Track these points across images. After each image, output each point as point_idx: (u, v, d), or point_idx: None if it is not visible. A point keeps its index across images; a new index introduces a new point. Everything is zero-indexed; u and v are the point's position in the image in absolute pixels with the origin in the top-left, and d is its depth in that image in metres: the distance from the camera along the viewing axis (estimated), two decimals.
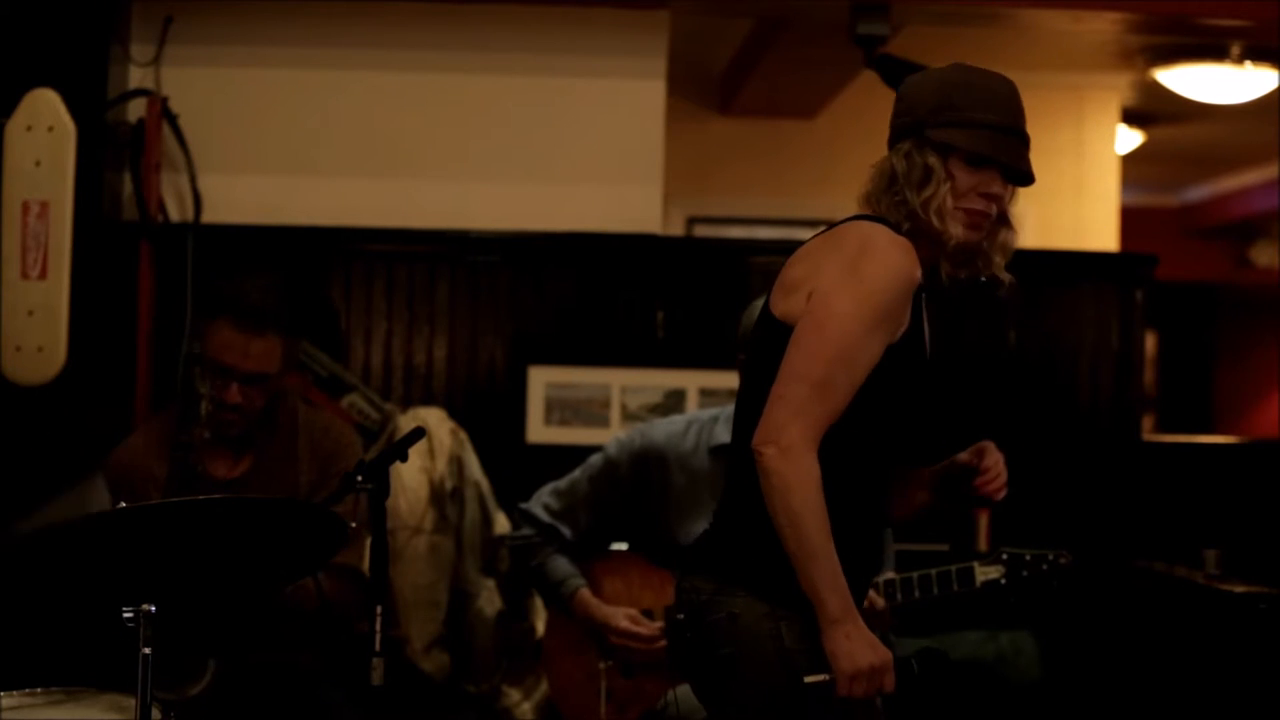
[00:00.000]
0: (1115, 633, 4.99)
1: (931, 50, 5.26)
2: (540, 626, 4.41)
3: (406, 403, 4.85)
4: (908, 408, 2.65)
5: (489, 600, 4.62)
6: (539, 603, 4.57)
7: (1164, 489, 5.24)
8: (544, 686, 4.45)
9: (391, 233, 4.94)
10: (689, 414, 4.11)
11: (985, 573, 3.68)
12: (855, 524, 2.61)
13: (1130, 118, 7.82)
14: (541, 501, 4.02)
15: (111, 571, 2.59)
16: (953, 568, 3.70)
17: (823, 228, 2.72)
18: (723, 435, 3.78)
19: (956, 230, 2.60)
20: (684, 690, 3.81)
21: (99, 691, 3.11)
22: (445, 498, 4.59)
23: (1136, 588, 5.01)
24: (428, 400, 4.86)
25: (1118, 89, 7.33)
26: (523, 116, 5.02)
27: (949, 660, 2.71)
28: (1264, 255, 10.61)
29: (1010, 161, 2.62)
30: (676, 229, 7.41)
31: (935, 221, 2.59)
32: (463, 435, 4.70)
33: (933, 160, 2.59)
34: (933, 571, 3.72)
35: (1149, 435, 6.84)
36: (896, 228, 2.60)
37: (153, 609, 2.57)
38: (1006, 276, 2.69)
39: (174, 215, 4.83)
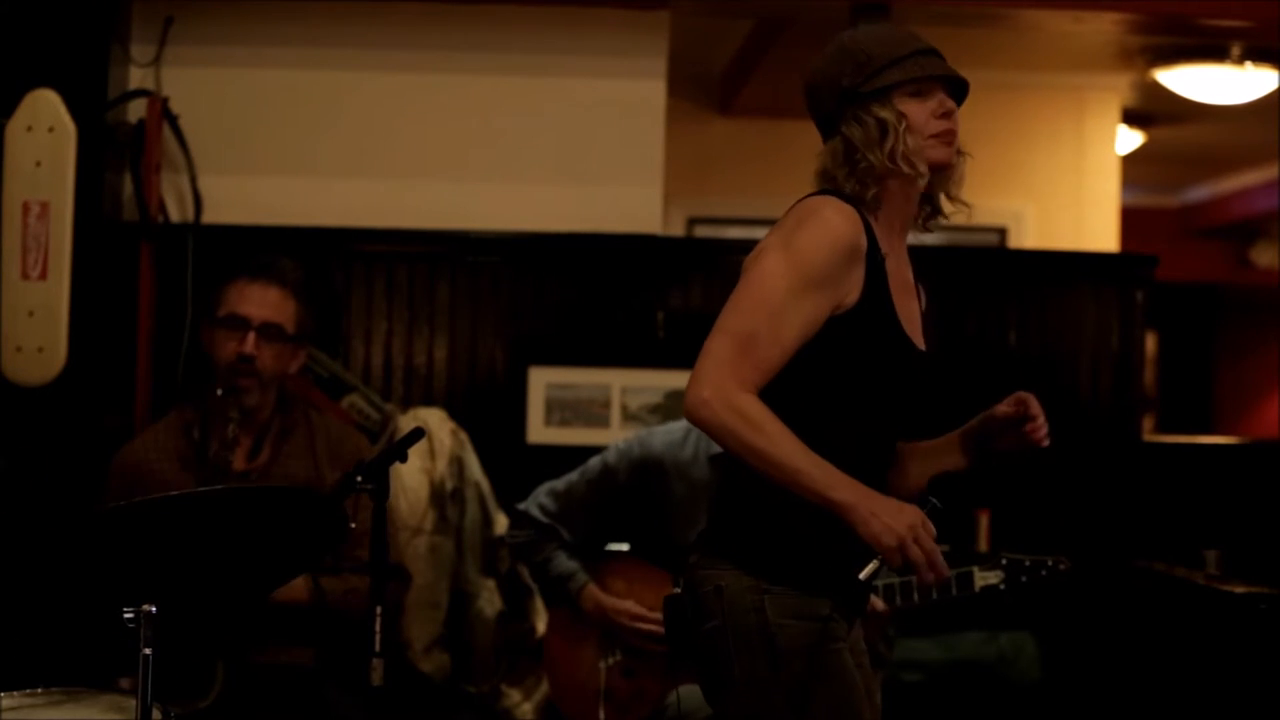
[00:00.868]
0: (1115, 633, 4.99)
1: None
2: (540, 626, 4.41)
3: (407, 403, 4.85)
4: (886, 386, 2.64)
5: (489, 600, 4.62)
6: (539, 603, 4.57)
7: (1164, 489, 5.24)
8: (544, 687, 4.45)
9: (391, 233, 4.94)
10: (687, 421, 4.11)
11: (984, 578, 3.69)
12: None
13: (1130, 118, 7.82)
14: (538, 502, 4.02)
15: (112, 571, 2.59)
16: (952, 573, 3.70)
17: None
18: None
19: (935, 154, 2.64)
20: (687, 690, 3.82)
21: (99, 691, 3.11)
22: (445, 498, 4.59)
23: (1136, 588, 5.01)
24: (428, 401, 4.87)
25: (1118, 89, 7.33)
26: (523, 116, 5.02)
27: (954, 480, 2.71)
28: (1264, 255, 10.60)
29: (945, 73, 2.68)
30: (676, 229, 7.41)
31: (906, 167, 2.62)
32: (463, 436, 4.70)
33: (882, 112, 2.62)
34: None
35: (1149, 435, 6.85)
36: (859, 198, 2.62)
37: (153, 609, 2.56)
38: (967, 205, 2.73)
39: (174, 216, 4.83)
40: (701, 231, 7.44)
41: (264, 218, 4.89)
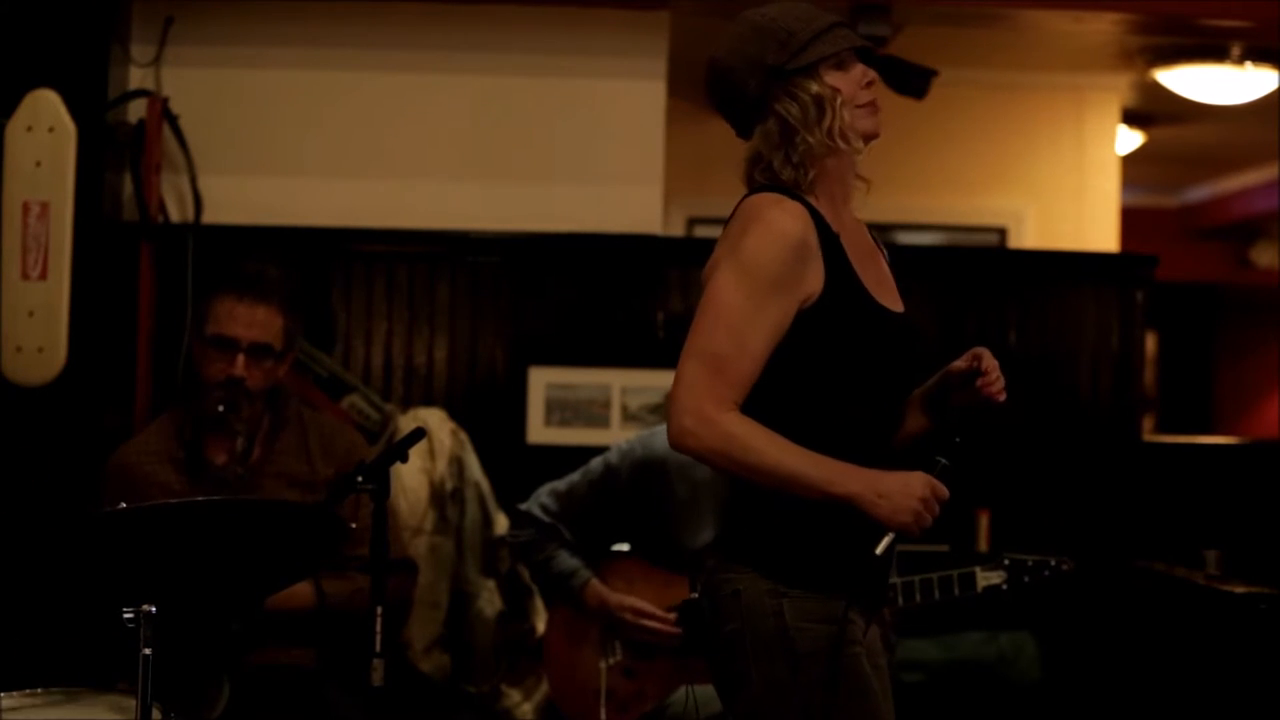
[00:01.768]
0: (1115, 633, 4.99)
1: (932, 50, 5.27)
2: (540, 626, 4.41)
3: (407, 403, 4.85)
4: (875, 361, 2.62)
5: (489, 601, 4.62)
6: (539, 603, 4.57)
7: (1164, 489, 5.24)
8: (544, 687, 4.45)
9: (391, 233, 4.94)
10: None
11: (987, 578, 3.68)
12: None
13: (1130, 118, 7.82)
14: (539, 502, 4.02)
15: (111, 571, 2.59)
16: (954, 572, 3.70)
17: None
18: None
19: (866, 125, 2.63)
20: (687, 690, 3.82)
21: (99, 691, 3.11)
22: (445, 498, 4.59)
23: (1136, 588, 5.01)
24: (428, 401, 4.87)
25: (1118, 89, 7.33)
26: (523, 116, 5.02)
27: (960, 428, 2.68)
28: (1264, 256, 10.60)
29: (866, 43, 2.66)
30: (676, 229, 7.41)
31: (844, 144, 2.60)
32: (463, 436, 4.70)
33: (814, 88, 2.60)
34: (934, 576, 3.71)
35: (1149, 435, 6.85)
36: (795, 186, 2.60)
37: (153, 609, 2.57)
38: (866, 181, 2.70)
39: (174, 216, 4.83)
40: (701, 231, 7.44)
41: (264, 218, 4.88)
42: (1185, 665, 4.79)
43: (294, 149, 4.99)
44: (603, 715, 3.82)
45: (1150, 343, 9.00)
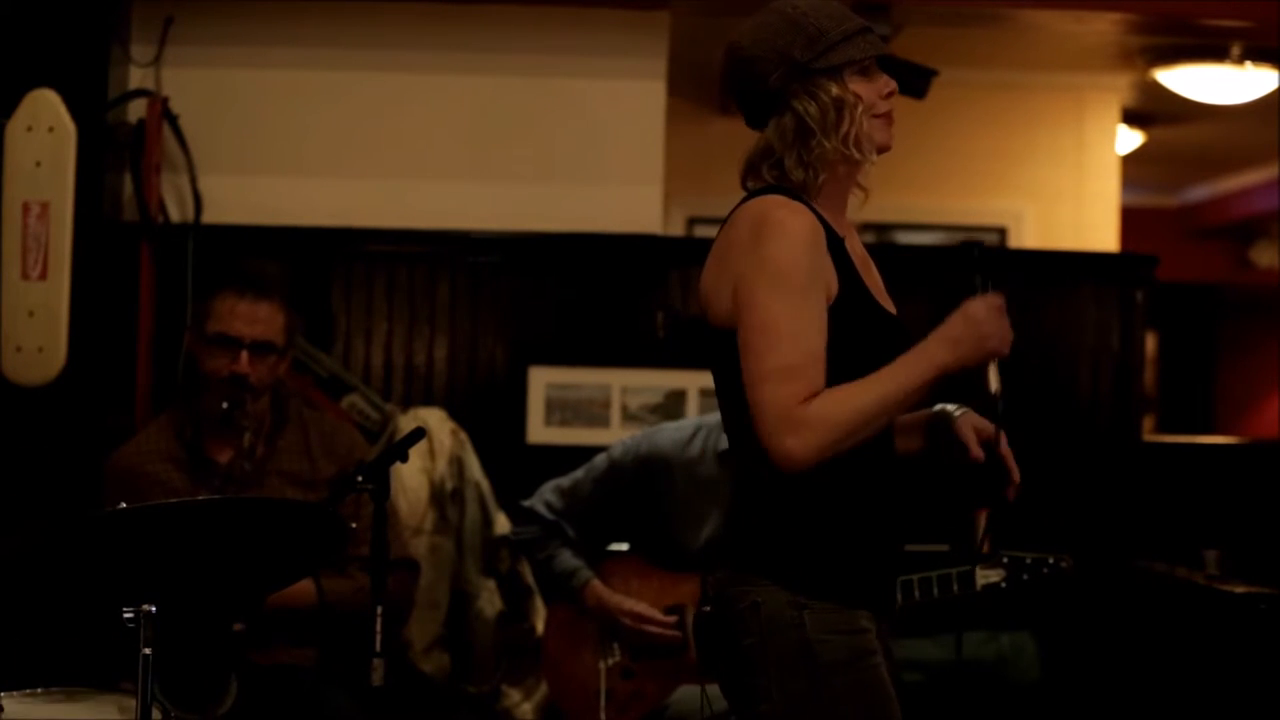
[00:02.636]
0: (1115, 633, 4.99)
1: (932, 50, 5.27)
2: (540, 627, 4.41)
3: (407, 403, 4.85)
4: (883, 363, 2.61)
5: (489, 601, 4.62)
6: (539, 603, 4.57)
7: (1164, 489, 5.24)
8: (544, 687, 4.45)
9: (391, 233, 4.94)
10: (696, 419, 4.10)
11: (986, 576, 3.68)
12: (869, 499, 2.58)
13: (1130, 118, 7.82)
14: (544, 499, 4.02)
15: (111, 571, 2.59)
16: (953, 571, 3.69)
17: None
18: None
19: (881, 137, 2.60)
20: (687, 691, 3.82)
21: (99, 691, 3.11)
22: (445, 498, 4.59)
23: (1136, 588, 5.01)
24: (428, 401, 4.86)
25: (1118, 89, 7.33)
26: (523, 116, 5.02)
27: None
28: (1264, 255, 10.60)
29: (887, 52, 2.63)
30: (676, 229, 7.41)
31: (855, 153, 2.57)
32: (463, 436, 4.70)
33: (835, 90, 2.56)
34: (933, 574, 3.71)
35: (1149, 435, 6.85)
36: (803, 188, 2.57)
37: (153, 609, 2.57)
38: (865, 190, 2.68)
39: (174, 216, 4.83)
40: (701, 231, 7.44)
41: (264, 218, 4.88)
42: (1185, 665, 4.79)
43: (294, 149, 4.99)
44: (602, 715, 3.82)
45: (1150, 343, 9.00)
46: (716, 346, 2.60)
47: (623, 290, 4.96)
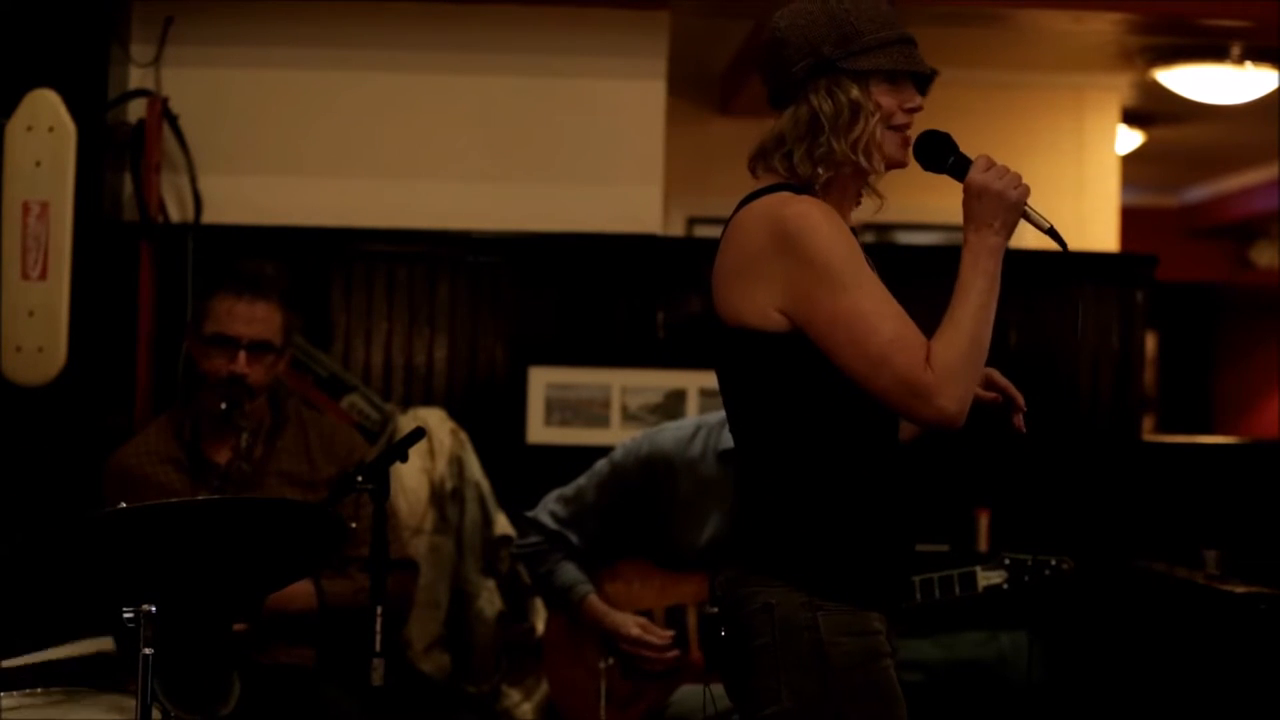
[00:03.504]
0: (1115, 633, 4.99)
1: (932, 50, 5.26)
2: (540, 626, 4.41)
3: (407, 403, 4.85)
4: None
5: (489, 600, 4.62)
6: (539, 603, 4.57)
7: (1164, 489, 5.23)
8: (544, 687, 4.45)
9: (391, 233, 4.94)
10: (696, 418, 4.10)
11: (987, 578, 3.68)
12: (880, 500, 2.57)
13: (1130, 118, 7.82)
14: (548, 509, 4.01)
15: (111, 571, 2.59)
16: (955, 572, 3.69)
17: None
18: (731, 440, 3.78)
19: (894, 151, 2.59)
20: (688, 690, 3.82)
21: (99, 691, 3.11)
22: (445, 498, 4.58)
23: (1136, 588, 5.01)
24: (428, 401, 4.86)
25: (1118, 89, 7.33)
26: (523, 116, 5.02)
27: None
28: (1264, 256, 10.60)
29: (923, 69, 2.62)
30: (676, 229, 7.41)
31: (862, 159, 2.56)
32: (463, 436, 4.70)
33: (855, 93, 2.54)
34: (935, 576, 3.71)
35: (1149, 435, 6.84)
36: (808, 182, 2.56)
37: (153, 609, 2.57)
38: (881, 197, 2.70)
39: (174, 216, 4.83)
40: (701, 231, 7.44)
41: (264, 218, 4.88)
42: (1185, 665, 4.79)
43: (294, 149, 4.99)
44: (602, 715, 3.82)
45: (1150, 343, 8.99)
46: (730, 346, 2.59)
47: (623, 290, 4.96)
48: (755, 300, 2.52)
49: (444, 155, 5.01)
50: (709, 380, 4.88)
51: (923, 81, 2.64)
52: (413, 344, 4.93)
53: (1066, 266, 5.31)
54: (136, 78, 4.84)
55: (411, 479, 4.53)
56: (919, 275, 2.96)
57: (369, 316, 4.92)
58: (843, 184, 2.60)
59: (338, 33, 4.98)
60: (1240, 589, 4.58)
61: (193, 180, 4.82)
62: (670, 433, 3.98)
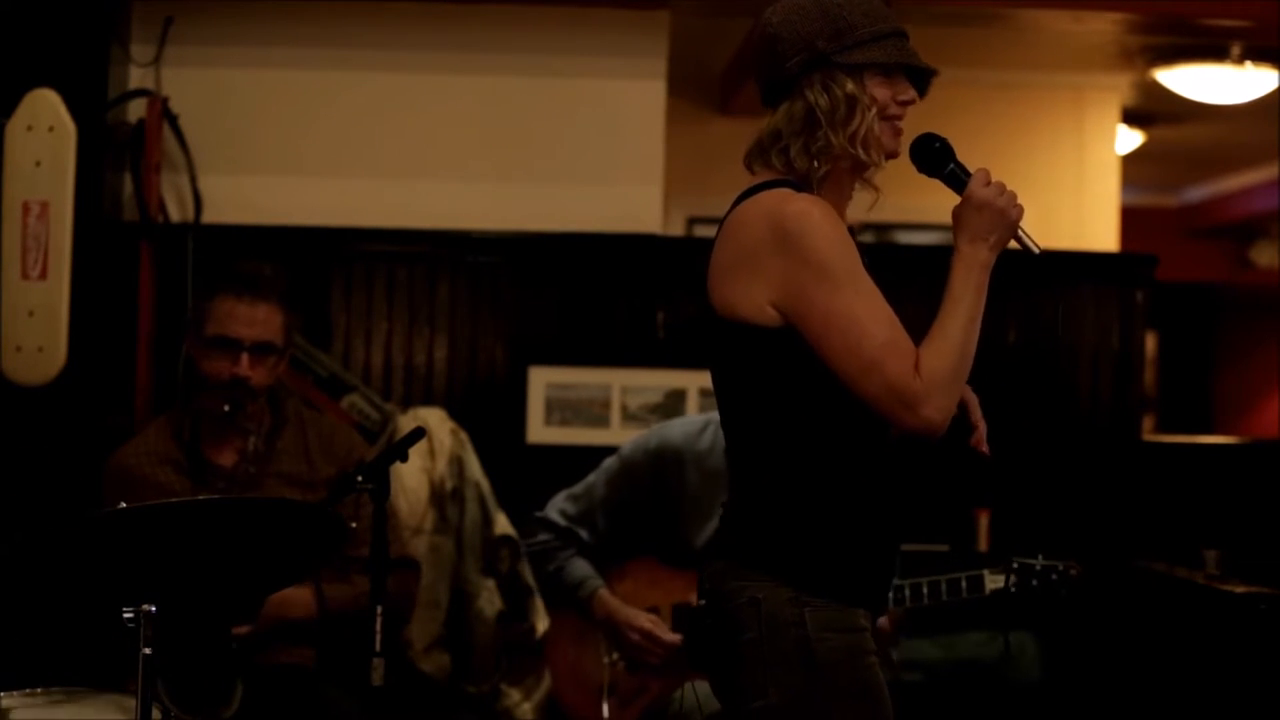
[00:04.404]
0: (1116, 633, 4.99)
1: (932, 50, 5.26)
2: (540, 626, 4.42)
3: (407, 403, 4.85)
4: None
5: (489, 600, 4.61)
6: (539, 603, 4.57)
7: (1164, 489, 5.24)
8: (544, 687, 4.45)
9: (391, 233, 4.94)
10: (706, 414, 4.11)
11: (995, 581, 3.68)
12: (869, 497, 2.58)
13: (1130, 118, 7.82)
14: (557, 507, 4.03)
15: (111, 571, 2.59)
16: (963, 575, 3.69)
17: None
18: None
19: (890, 143, 2.60)
20: (689, 688, 3.82)
21: (99, 691, 3.11)
22: (445, 498, 4.58)
23: (1137, 588, 5.01)
24: (428, 400, 4.86)
25: (1118, 89, 7.33)
26: (523, 116, 5.02)
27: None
28: (1264, 255, 10.60)
29: (918, 63, 2.62)
30: (676, 229, 7.41)
31: (860, 153, 2.57)
32: (463, 435, 4.70)
33: (850, 87, 2.55)
34: (942, 579, 3.71)
35: (1149, 435, 6.84)
36: (806, 178, 2.57)
37: (153, 609, 2.57)
38: (876, 190, 2.69)
39: (174, 215, 4.83)
40: (701, 231, 7.44)
41: (264, 218, 4.88)
42: (1185, 665, 4.79)
43: (294, 149, 4.99)
44: (605, 710, 3.82)
45: (1150, 343, 8.99)
46: (722, 339, 2.59)
47: (623, 290, 4.96)
48: (750, 294, 2.53)
49: (444, 155, 5.01)
50: (709, 380, 4.87)
51: (919, 77, 2.64)
52: (413, 344, 4.93)
53: (1067, 266, 5.32)
54: (136, 78, 4.84)
55: (411, 479, 4.53)
56: (919, 275, 2.95)
57: (369, 316, 4.92)
58: (839, 178, 2.61)
59: (338, 33, 4.98)
60: (1240, 589, 4.58)
61: (193, 180, 4.82)
62: (679, 426, 4.00)
